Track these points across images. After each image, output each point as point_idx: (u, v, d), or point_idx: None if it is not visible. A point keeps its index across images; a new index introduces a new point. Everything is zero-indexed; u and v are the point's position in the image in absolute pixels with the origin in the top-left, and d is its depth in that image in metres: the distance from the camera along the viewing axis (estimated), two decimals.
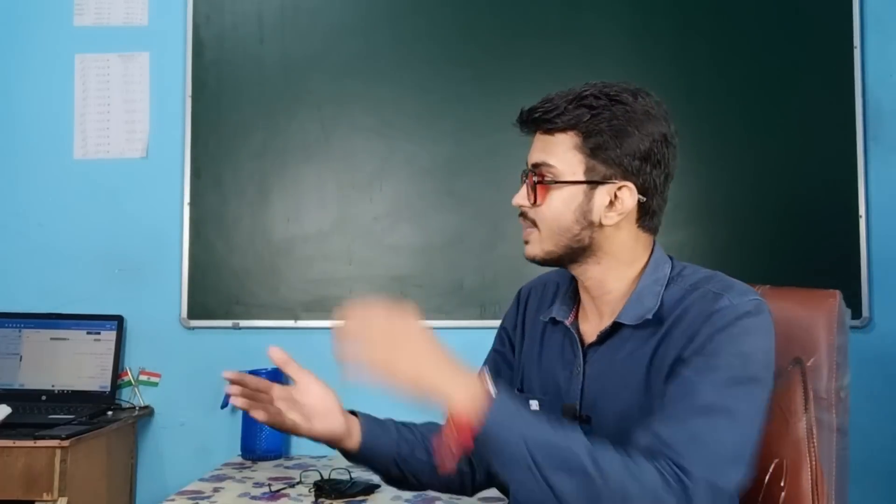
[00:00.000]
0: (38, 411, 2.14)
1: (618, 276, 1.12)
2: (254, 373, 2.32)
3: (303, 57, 2.38)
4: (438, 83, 2.34)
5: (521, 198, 1.12)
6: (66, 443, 1.91)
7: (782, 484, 1.15)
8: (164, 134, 2.40)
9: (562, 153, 1.08)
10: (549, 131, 1.10)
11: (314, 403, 1.22)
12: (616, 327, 1.10)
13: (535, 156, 1.11)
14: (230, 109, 2.38)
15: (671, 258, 1.16)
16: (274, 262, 2.34)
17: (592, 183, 1.08)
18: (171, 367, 2.36)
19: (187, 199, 2.36)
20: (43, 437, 1.92)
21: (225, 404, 2.27)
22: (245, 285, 2.33)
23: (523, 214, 1.13)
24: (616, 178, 1.08)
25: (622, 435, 1.04)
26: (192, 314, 2.34)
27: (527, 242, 1.14)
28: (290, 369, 1.21)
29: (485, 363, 1.34)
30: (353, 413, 1.26)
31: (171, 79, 2.40)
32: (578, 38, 2.32)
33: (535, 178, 1.10)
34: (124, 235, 2.39)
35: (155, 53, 2.42)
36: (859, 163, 2.23)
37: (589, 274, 1.13)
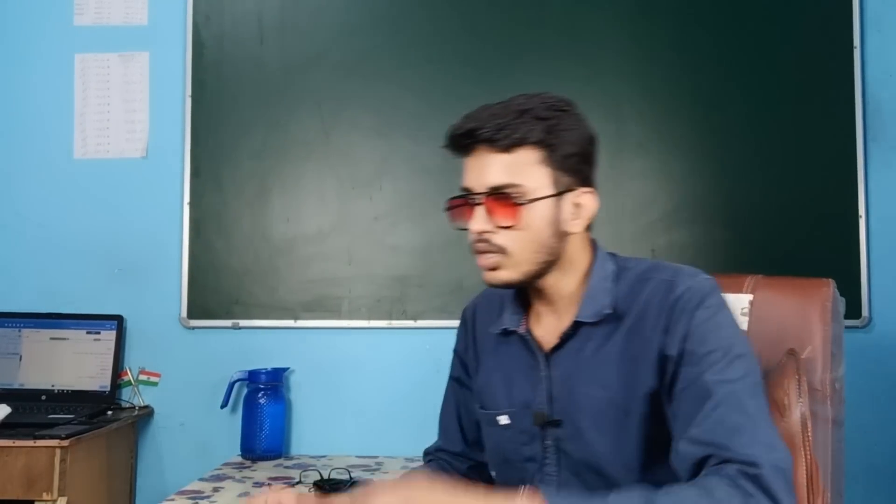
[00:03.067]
0: (38, 411, 2.14)
1: (571, 280, 1.14)
2: (253, 373, 2.35)
3: (303, 57, 2.38)
4: (438, 83, 2.34)
5: (482, 222, 1.08)
6: (66, 442, 1.91)
7: None
8: (164, 134, 2.40)
9: (528, 169, 1.06)
10: (506, 149, 1.06)
11: None
12: (576, 327, 1.11)
13: (496, 177, 1.06)
14: (230, 109, 2.38)
15: (610, 253, 1.18)
16: (273, 261, 2.34)
17: (560, 194, 1.08)
18: (170, 366, 2.36)
19: (187, 198, 2.36)
20: (43, 437, 1.91)
21: (225, 404, 2.27)
22: (245, 285, 2.34)
23: (485, 241, 1.09)
24: (576, 185, 1.10)
25: (597, 432, 1.08)
26: (192, 314, 2.34)
27: (493, 269, 1.10)
28: None
29: (446, 392, 1.36)
30: None
31: (171, 79, 2.40)
32: (580, 38, 2.32)
33: (498, 198, 1.06)
34: (124, 235, 2.39)
35: (155, 53, 2.42)
36: (859, 163, 2.24)
37: (547, 282, 1.13)
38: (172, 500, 1.78)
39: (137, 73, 2.42)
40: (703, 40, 2.30)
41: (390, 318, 2.31)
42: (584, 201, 1.11)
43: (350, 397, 2.32)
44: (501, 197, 1.07)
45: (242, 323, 2.34)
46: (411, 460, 2.18)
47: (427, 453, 1.39)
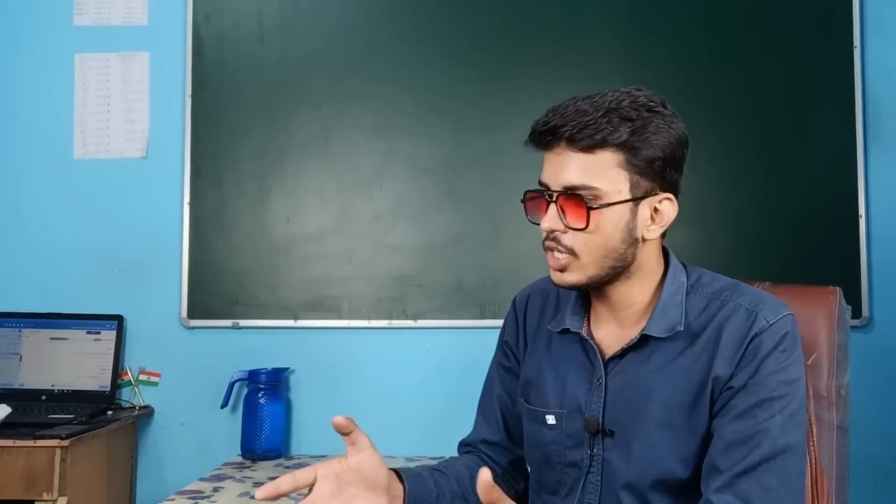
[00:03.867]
0: (38, 411, 2.14)
1: (642, 289, 1.10)
2: (254, 373, 2.35)
3: (303, 57, 2.38)
4: (438, 83, 2.34)
5: (554, 221, 1.04)
6: (66, 442, 1.91)
7: None
8: (164, 134, 2.40)
9: (606, 172, 1.02)
10: (586, 149, 1.02)
11: (375, 476, 1.03)
12: (643, 339, 1.07)
13: (571, 177, 1.02)
14: (230, 109, 2.37)
15: (682, 264, 1.14)
16: (274, 261, 2.34)
17: (637, 199, 1.04)
18: (170, 366, 2.36)
19: (187, 198, 2.36)
20: (43, 437, 1.91)
21: (225, 403, 2.27)
22: (245, 285, 2.33)
23: (555, 239, 1.05)
24: (657, 190, 1.05)
25: (648, 449, 1.05)
26: (192, 314, 2.34)
27: (561, 270, 1.06)
28: (356, 436, 1.05)
29: (489, 379, 1.30)
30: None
31: (171, 79, 2.40)
32: (579, 38, 2.32)
33: (573, 198, 1.02)
34: (124, 235, 2.39)
35: (155, 53, 2.42)
36: (859, 163, 2.23)
37: (617, 289, 1.09)
38: (172, 500, 1.78)
39: (137, 73, 2.42)
40: (703, 41, 2.30)
41: (390, 318, 2.31)
42: (663, 207, 1.06)
43: (350, 397, 2.32)
44: (575, 198, 1.02)
45: (242, 323, 2.34)
46: (411, 460, 2.18)
47: (464, 444, 1.32)
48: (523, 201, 1.10)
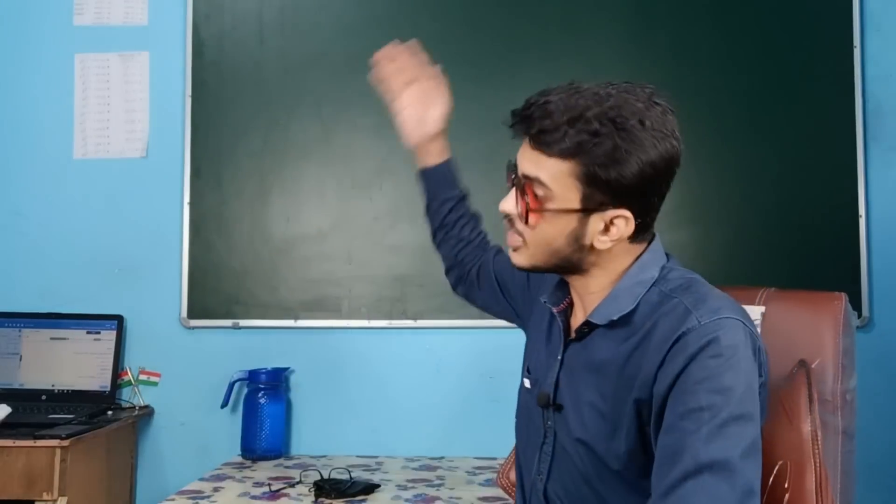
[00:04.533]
0: (38, 411, 2.14)
1: (601, 281, 1.09)
2: (254, 373, 2.35)
3: (303, 57, 2.38)
4: None
5: (510, 205, 1.06)
6: (66, 442, 1.91)
7: (786, 486, 1.14)
8: (164, 134, 2.40)
9: (558, 176, 1.00)
10: (545, 153, 1.00)
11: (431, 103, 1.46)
12: (590, 325, 1.08)
13: (528, 167, 1.03)
14: (230, 109, 2.37)
15: (668, 257, 1.11)
16: (274, 261, 2.34)
17: (587, 210, 1.01)
18: (170, 366, 2.36)
19: (187, 198, 2.36)
20: (43, 437, 1.91)
21: (225, 403, 2.27)
22: (245, 285, 2.33)
23: (510, 220, 1.08)
24: (611, 206, 1.01)
25: (585, 431, 1.07)
26: (192, 314, 2.34)
27: (514, 249, 1.10)
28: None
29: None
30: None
31: (171, 78, 2.40)
32: (579, 36, 2.32)
33: (524, 191, 1.03)
34: (124, 235, 2.39)
35: (155, 53, 2.42)
36: (859, 163, 2.24)
37: (576, 280, 1.11)
38: (172, 500, 1.78)
39: (137, 73, 2.42)
40: (703, 40, 2.30)
41: (390, 318, 2.31)
42: (618, 224, 1.02)
43: (350, 397, 2.32)
44: (530, 187, 1.02)
45: (242, 323, 2.34)
46: (411, 460, 2.18)
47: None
48: (507, 170, 1.11)
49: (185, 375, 2.35)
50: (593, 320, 1.07)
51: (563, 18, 2.33)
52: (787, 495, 1.14)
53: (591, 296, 1.10)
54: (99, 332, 2.31)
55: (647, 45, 2.31)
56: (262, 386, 2.23)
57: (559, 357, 1.13)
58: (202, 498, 1.79)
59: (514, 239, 1.08)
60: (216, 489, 1.87)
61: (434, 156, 1.46)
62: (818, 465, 1.13)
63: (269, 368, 2.26)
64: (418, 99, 1.45)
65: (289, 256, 2.34)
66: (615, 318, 1.05)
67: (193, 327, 2.35)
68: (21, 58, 2.44)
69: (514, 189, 1.06)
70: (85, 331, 2.31)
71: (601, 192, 1.00)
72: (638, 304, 1.04)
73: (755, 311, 1.27)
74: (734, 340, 0.95)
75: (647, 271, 1.07)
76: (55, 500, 1.91)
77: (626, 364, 1.03)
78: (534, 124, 1.00)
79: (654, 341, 1.00)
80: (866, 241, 2.22)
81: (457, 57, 2.34)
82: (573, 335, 1.11)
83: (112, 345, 2.30)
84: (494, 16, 2.34)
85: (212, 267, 2.35)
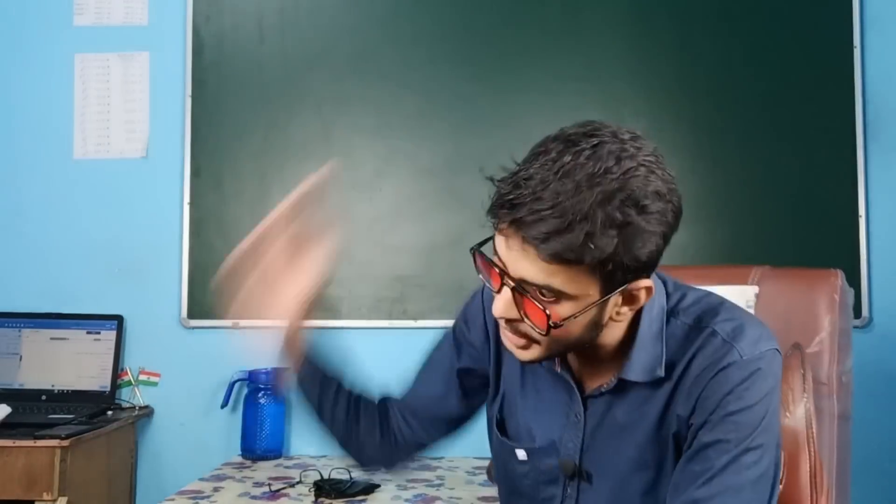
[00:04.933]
0: (38, 411, 2.14)
1: (613, 338, 0.96)
2: (254, 373, 2.34)
3: (303, 57, 2.37)
4: (438, 83, 2.34)
5: (509, 310, 0.89)
6: (66, 442, 1.91)
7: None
8: (164, 134, 2.40)
9: (574, 280, 0.85)
10: (552, 262, 0.83)
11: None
12: (620, 383, 0.97)
13: (530, 275, 0.85)
14: (230, 109, 2.37)
15: (662, 279, 0.99)
16: None
17: (609, 295, 0.88)
18: (170, 366, 2.36)
19: (187, 199, 2.36)
20: (43, 437, 1.91)
21: (225, 404, 2.27)
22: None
23: (509, 323, 0.92)
24: (630, 279, 0.87)
25: (625, 492, 0.98)
26: (192, 314, 2.34)
27: (522, 348, 0.94)
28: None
29: (437, 354, 1.23)
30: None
31: (171, 79, 2.40)
32: (580, 38, 2.32)
33: (531, 297, 0.86)
34: (124, 235, 2.39)
35: (155, 53, 2.42)
36: (859, 163, 2.23)
37: (586, 348, 0.97)
38: (172, 500, 1.78)
39: (137, 73, 2.42)
40: (703, 40, 2.30)
41: (390, 318, 2.31)
42: (639, 294, 0.90)
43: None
44: (537, 294, 0.86)
45: (243, 323, 2.33)
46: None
47: (385, 398, 1.27)
48: (472, 253, 0.94)
49: (184, 375, 2.35)
50: (632, 378, 0.95)
51: (563, 18, 2.33)
52: (780, 487, 1.13)
53: (604, 355, 0.97)
54: (99, 332, 2.31)
55: (647, 45, 2.31)
56: (262, 386, 2.23)
57: (579, 418, 1.00)
58: (202, 498, 1.79)
59: (518, 340, 0.93)
60: (216, 489, 1.87)
61: (296, 354, 1.19)
62: (813, 452, 1.10)
63: (269, 368, 2.26)
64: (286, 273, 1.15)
65: None
66: (660, 373, 0.94)
67: (193, 327, 2.35)
68: (21, 58, 2.44)
69: (505, 289, 0.89)
70: (85, 331, 2.31)
71: (620, 274, 0.86)
72: (665, 343, 0.95)
73: (748, 292, 1.22)
74: (774, 374, 0.93)
75: (658, 300, 0.96)
76: (55, 500, 1.90)
77: (664, 411, 0.95)
78: (529, 230, 0.83)
79: (690, 377, 0.93)
80: (866, 240, 2.22)
81: (456, 57, 2.34)
82: (593, 391, 0.99)
83: (112, 345, 2.30)
84: (494, 16, 2.34)
85: (212, 267, 2.33)
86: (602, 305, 0.88)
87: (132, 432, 2.31)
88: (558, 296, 0.86)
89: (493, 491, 1.85)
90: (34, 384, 2.28)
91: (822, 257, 2.21)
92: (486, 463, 2.13)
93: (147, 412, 2.33)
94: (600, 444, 0.99)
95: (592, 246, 0.81)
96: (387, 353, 2.33)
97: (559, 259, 0.82)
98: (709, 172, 2.27)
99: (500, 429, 1.08)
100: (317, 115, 2.36)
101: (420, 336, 2.39)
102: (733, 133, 2.28)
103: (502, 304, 0.89)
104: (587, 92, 2.28)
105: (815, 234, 2.23)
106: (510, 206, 0.85)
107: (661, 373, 0.94)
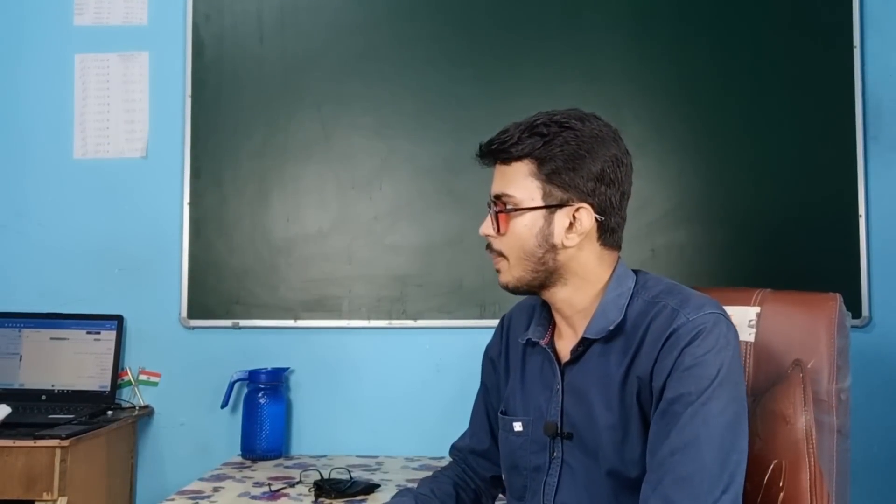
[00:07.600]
0: (38, 411, 2.14)
1: (584, 295, 1.16)
2: (254, 373, 2.35)
3: (303, 57, 2.38)
4: (438, 83, 2.34)
5: (487, 227, 1.18)
6: (66, 442, 1.91)
7: (781, 485, 1.15)
8: (163, 134, 2.40)
9: (520, 181, 1.14)
10: (507, 161, 1.15)
11: None
12: (587, 343, 1.14)
13: (496, 187, 1.17)
14: (230, 109, 2.38)
15: (636, 272, 1.19)
16: (274, 261, 2.34)
17: (551, 207, 1.13)
18: (170, 366, 2.36)
19: (187, 198, 2.36)
20: (43, 437, 1.92)
21: (225, 403, 2.27)
22: (245, 285, 2.34)
23: (489, 246, 1.18)
24: (573, 201, 1.13)
25: (600, 449, 1.11)
26: (192, 314, 2.34)
27: (498, 272, 1.19)
28: None
29: (477, 395, 1.41)
30: None
31: (171, 79, 2.40)
32: (579, 39, 2.32)
33: (496, 209, 1.15)
34: (124, 235, 2.39)
35: (155, 53, 2.42)
36: (859, 163, 2.23)
37: (558, 296, 1.18)
38: (172, 500, 1.78)
39: (137, 73, 2.42)
40: (702, 41, 2.30)
41: (390, 317, 2.31)
42: (580, 216, 1.13)
43: (350, 397, 2.32)
44: (500, 205, 1.16)
45: (242, 323, 2.34)
46: (411, 460, 2.19)
47: (454, 448, 1.43)
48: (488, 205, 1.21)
49: (184, 375, 2.35)
50: (589, 336, 1.14)
51: (563, 18, 2.33)
52: (781, 494, 1.15)
53: (577, 314, 1.17)
54: (99, 332, 2.31)
55: (647, 45, 2.31)
56: (262, 386, 2.23)
57: (559, 385, 1.17)
58: (202, 498, 1.79)
59: (496, 260, 1.19)
60: (216, 489, 1.87)
61: None
62: (813, 464, 1.14)
63: (269, 368, 2.26)
64: None
65: (289, 256, 2.34)
66: (611, 328, 1.12)
67: (193, 327, 2.35)
68: (21, 58, 2.44)
69: (489, 215, 1.18)
70: (85, 331, 2.31)
71: (559, 188, 1.13)
72: (626, 315, 1.13)
73: (751, 312, 1.29)
74: (720, 330, 1.07)
75: (625, 282, 1.16)
76: (55, 500, 1.91)
77: (627, 373, 1.10)
78: (493, 144, 1.16)
79: (648, 343, 1.09)
80: (866, 240, 2.22)
81: (456, 57, 2.34)
82: (568, 358, 1.17)
83: (112, 345, 2.30)
84: (493, 17, 2.34)
85: (212, 267, 2.35)
86: (547, 218, 1.12)
87: (132, 432, 2.31)
88: (511, 200, 1.14)
89: None
90: (34, 384, 2.28)
91: (821, 257, 2.22)
92: None
93: (147, 412, 2.33)
94: (574, 408, 1.15)
95: (523, 143, 1.12)
96: (387, 353, 2.34)
97: (507, 157, 1.14)
98: (708, 172, 2.27)
99: (504, 411, 1.27)
100: (316, 114, 2.36)
101: (420, 336, 2.42)
102: (733, 133, 2.28)
103: (485, 224, 1.18)
104: (587, 92, 2.28)
105: (815, 235, 2.23)
106: (487, 143, 1.18)
107: (611, 328, 1.12)
